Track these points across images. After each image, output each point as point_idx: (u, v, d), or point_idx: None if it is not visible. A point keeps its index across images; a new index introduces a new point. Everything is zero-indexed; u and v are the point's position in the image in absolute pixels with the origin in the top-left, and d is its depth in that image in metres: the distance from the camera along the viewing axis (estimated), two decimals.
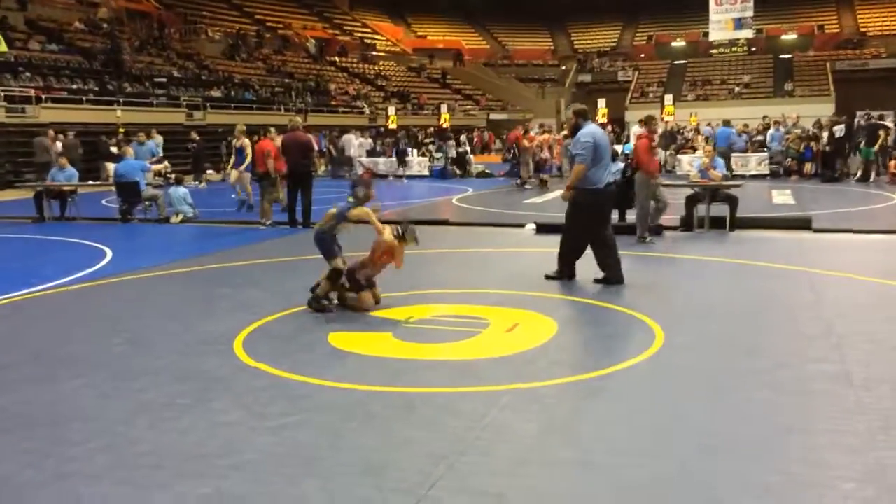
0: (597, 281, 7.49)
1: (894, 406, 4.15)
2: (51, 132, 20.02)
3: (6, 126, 21.98)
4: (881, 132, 19.35)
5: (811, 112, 31.03)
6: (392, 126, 32.77)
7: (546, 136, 21.04)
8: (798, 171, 20.55)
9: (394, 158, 25.77)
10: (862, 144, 19.65)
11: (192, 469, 3.52)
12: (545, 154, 20.45)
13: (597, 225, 7.58)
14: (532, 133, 21.63)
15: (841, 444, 3.67)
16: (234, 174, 15.31)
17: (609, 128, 26.21)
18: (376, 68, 49.39)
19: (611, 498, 3.19)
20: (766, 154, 21.74)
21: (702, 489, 3.25)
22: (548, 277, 7.65)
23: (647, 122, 10.68)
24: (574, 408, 4.26)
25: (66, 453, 3.74)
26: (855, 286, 7.36)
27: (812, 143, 20.85)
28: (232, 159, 15.79)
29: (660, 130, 23.88)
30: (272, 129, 13.95)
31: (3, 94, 22.60)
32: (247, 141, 15.16)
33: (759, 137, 23.38)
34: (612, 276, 7.45)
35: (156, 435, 3.94)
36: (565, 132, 23.26)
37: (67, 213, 14.36)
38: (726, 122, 22.17)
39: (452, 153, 25.67)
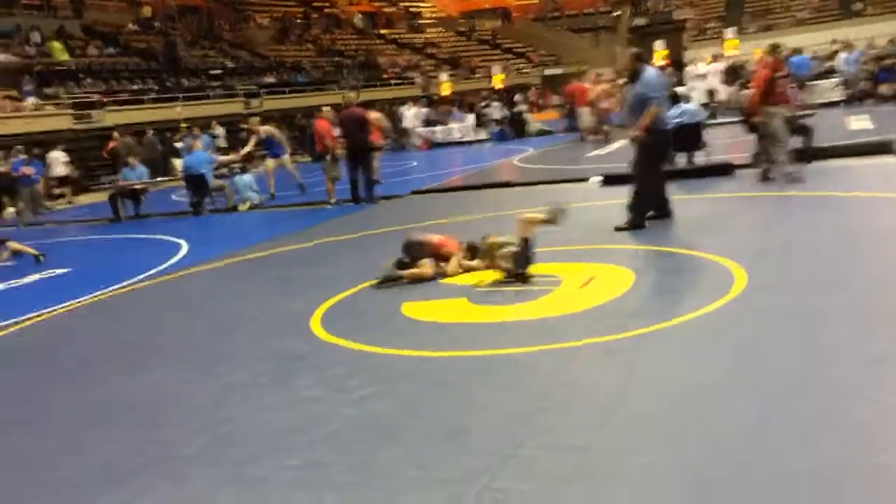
0: (648, 218, 7.73)
1: None
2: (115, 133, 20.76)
3: (76, 133, 22.75)
4: None
5: (884, 31, 29.32)
6: (445, 93, 32.57)
7: (605, 85, 20.50)
8: (873, 94, 19.56)
9: (453, 126, 25.62)
10: None
11: (280, 443, 3.60)
12: (605, 104, 19.91)
13: (661, 165, 7.84)
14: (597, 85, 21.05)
15: None
16: (269, 164, 15.13)
17: (669, 70, 25.38)
18: (424, 36, 49.06)
19: (695, 444, 3.12)
20: (837, 80, 20.74)
21: (793, 429, 3.14)
22: (618, 229, 7.52)
23: (772, 50, 9.70)
24: (655, 357, 4.18)
25: (162, 437, 3.88)
26: None
27: (887, 63, 19.80)
28: (246, 148, 15.34)
29: (722, 67, 23.04)
30: (326, 108, 14.02)
31: (69, 101, 23.38)
32: (268, 128, 15.24)
33: (829, 63, 22.30)
34: (665, 212, 7.74)
35: (244, 414, 4.05)
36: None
37: (141, 211, 14.83)
38: (797, 51, 21.18)
39: (496, 115, 25.27)
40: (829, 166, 10.13)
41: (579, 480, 2.93)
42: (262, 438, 3.70)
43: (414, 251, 6.70)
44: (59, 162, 19.36)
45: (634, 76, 7.67)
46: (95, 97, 24.07)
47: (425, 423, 3.64)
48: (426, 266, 6.51)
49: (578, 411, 3.58)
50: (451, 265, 6.57)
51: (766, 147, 9.45)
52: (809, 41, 27.13)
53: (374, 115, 16.82)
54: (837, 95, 20.23)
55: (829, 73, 21.42)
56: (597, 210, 9.26)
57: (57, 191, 19.50)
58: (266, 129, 15.20)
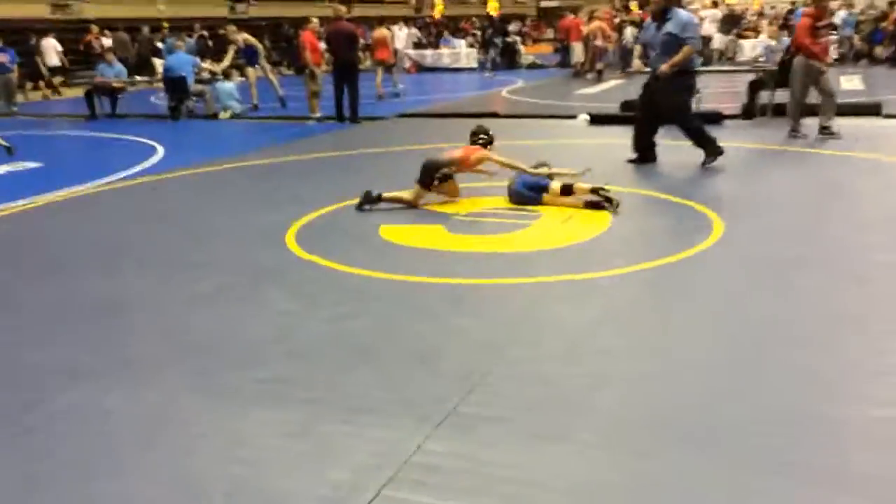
0: (631, 161, 7.93)
1: None
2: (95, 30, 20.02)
3: (52, 23, 21.92)
4: None
5: None
6: (438, 16, 31.81)
7: (599, 22, 20.11)
8: (868, 55, 19.44)
9: (443, 51, 25.06)
10: None
11: (249, 356, 3.58)
12: (599, 42, 19.56)
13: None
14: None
15: None
16: (251, 73, 14.70)
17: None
18: None
19: (662, 382, 3.16)
20: (834, 38, 20.52)
21: (751, 374, 3.20)
22: (705, 164, 7.58)
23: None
24: (628, 298, 4.19)
25: (127, 341, 3.84)
26: None
27: (882, 24, 19.64)
28: (225, 61, 14.53)
29: (720, 14, 22.66)
30: (314, 20, 13.58)
31: None
32: (246, 36, 14.87)
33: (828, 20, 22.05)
34: (649, 157, 7.90)
35: (212, 323, 4.02)
36: (626, 17, 22.22)
37: (118, 111, 14.44)
38: (793, 3, 20.97)
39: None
40: (817, 123, 10.09)
41: (543, 410, 2.95)
42: (230, 349, 3.68)
43: (441, 171, 6.23)
44: (53, 50, 18.68)
45: (662, 16, 7.52)
46: None
47: (396, 346, 3.64)
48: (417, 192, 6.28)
49: (548, 344, 3.60)
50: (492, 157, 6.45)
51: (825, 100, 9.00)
52: None
53: (385, 33, 16.71)
54: (832, 53, 20.04)
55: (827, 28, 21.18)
56: (582, 148, 9.20)
57: (55, 81, 18.83)
58: (245, 38, 14.78)
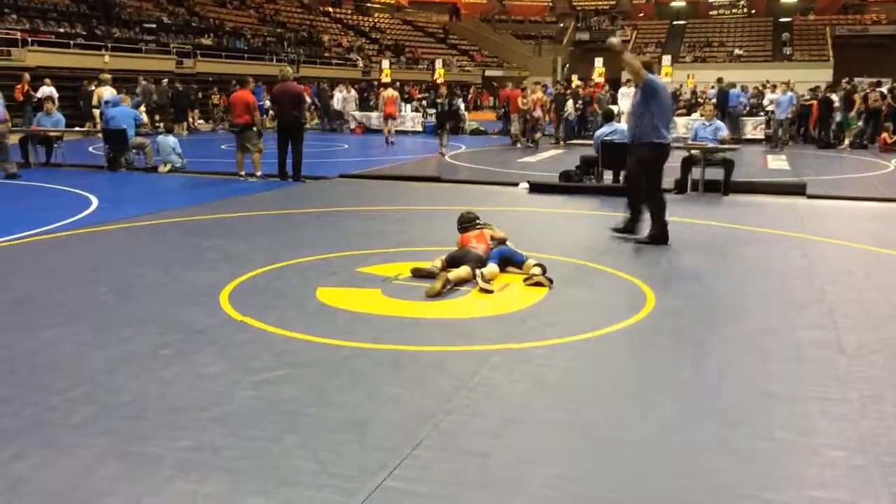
0: (638, 241, 7.67)
1: (886, 376, 4.11)
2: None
3: None
4: (855, 97, 19.66)
5: (809, 77, 30.76)
6: (386, 80, 32.32)
7: (538, 95, 20.76)
8: (794, 137, 20.47)
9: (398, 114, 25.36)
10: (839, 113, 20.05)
11: (174, 421, 3.45)
12: (537, 113, 20.18)
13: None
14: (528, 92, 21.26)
15: (830, 413, 3.63)
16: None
17: (605, 88, 25.92)
18: (371, 20, 48.60)
19: (594, 459, 3.15)
20: (762, 118, 21.60)
21: (684, 453, 3.22)
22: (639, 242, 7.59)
23: None
24: (563, 369, 4.21)
25: (45, 402, 3.67)
26: (847, 253, 7.32)
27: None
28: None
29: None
30: (251, 80, 13.62)
31: None
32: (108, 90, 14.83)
33: (754, 100, 23.26)
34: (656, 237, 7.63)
35: (138, 386, 3.87)
36: (567, 91, 22.99)
37: (53, 160, 14.13)
38: (731, 85, 22.14)
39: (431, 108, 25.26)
40: (745, 200, 10.53)
41: (476, 487, 2.91)
42: (153, 413, 3.55)
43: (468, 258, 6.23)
44: None
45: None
46: (18, 34, 22.81)
47: (326, 413, 3.57)
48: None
49: (483, 416, 3.57)
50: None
51: None
52: (740, 78, 28.15)
53: (393, 94, 20.93)
54: (760, 133, 21.06)
55: (756, 109, 22.34)
56: (521, 216, 9.35)
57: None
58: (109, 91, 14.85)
